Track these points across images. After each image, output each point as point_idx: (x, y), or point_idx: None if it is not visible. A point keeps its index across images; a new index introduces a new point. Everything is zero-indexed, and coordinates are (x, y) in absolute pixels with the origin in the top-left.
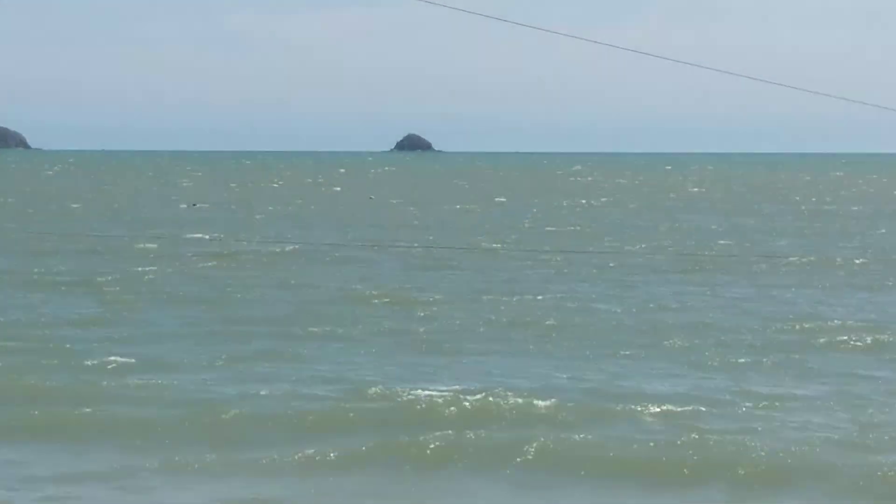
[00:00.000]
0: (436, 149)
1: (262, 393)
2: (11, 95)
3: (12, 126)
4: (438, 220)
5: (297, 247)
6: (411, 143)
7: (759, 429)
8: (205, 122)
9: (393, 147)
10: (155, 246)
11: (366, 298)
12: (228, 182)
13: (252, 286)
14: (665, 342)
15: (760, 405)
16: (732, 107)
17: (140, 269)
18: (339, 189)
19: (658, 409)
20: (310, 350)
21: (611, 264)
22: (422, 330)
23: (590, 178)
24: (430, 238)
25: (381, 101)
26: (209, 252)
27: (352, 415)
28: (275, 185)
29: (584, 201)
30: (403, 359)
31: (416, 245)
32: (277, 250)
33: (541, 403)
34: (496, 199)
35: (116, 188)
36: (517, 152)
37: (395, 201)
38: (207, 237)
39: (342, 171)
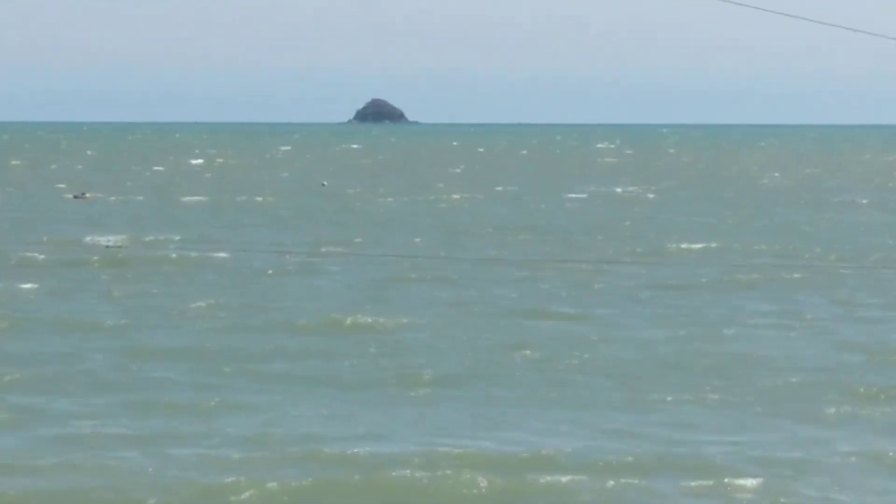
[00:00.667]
0: (409, 119)
1: (171, 455)
2: None
3: None
4: (414, 216)
5: (225, 254)
6: (377, 112)
7: None
8: (95, 85)
9: (352, 117)
10: (35, 255)
11: (316, 326)
12: (131, 163)
13: (163, 308)
14: (730, 384)
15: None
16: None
17: (15, 286)
18: (286, 174)
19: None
20: (246, 396)
21: (656, 276)
22: (395, 367)
23: (613, 159)
24: (408, 242)
25: (336, 58)
26: (107, 261)
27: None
28: (196, 166)
29: (618, 190)
30: (355, 408)
31: (388, 254)
32: (196, 256)
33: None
34: (496, 189)
35: None
36: (518, 123)
37: (354, 190)
38: (104, 241)
39: (286, 148)
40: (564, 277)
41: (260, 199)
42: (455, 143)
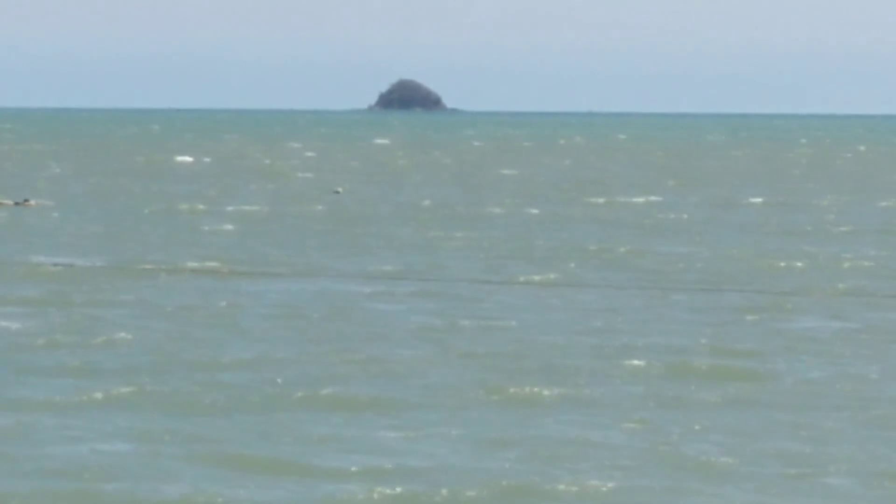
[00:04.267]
0: (448, 105)
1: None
2: None
3: None
4: (459, 230)
5: (223, 269)
6: (405, 96)
7: None
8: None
9: (374, 102)
10: None
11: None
12: (95, 159)
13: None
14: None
15: None
16: None
17: None
18: (302, 175)
19: None
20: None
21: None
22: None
23: (737, 152)
24: (435, 267)
25: (351, 30)
26: (59, 288)
27: None
28: (183, 164)
29: (758, 200)
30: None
31: (430, 278)
32: (176, 279)
33: None
34: (588, 200)
35: None
36: (589, 112)
37: (375, 205)
38: (52, 262)
39: (295, 145)
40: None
41: (256, 208)
42: (526, 143)
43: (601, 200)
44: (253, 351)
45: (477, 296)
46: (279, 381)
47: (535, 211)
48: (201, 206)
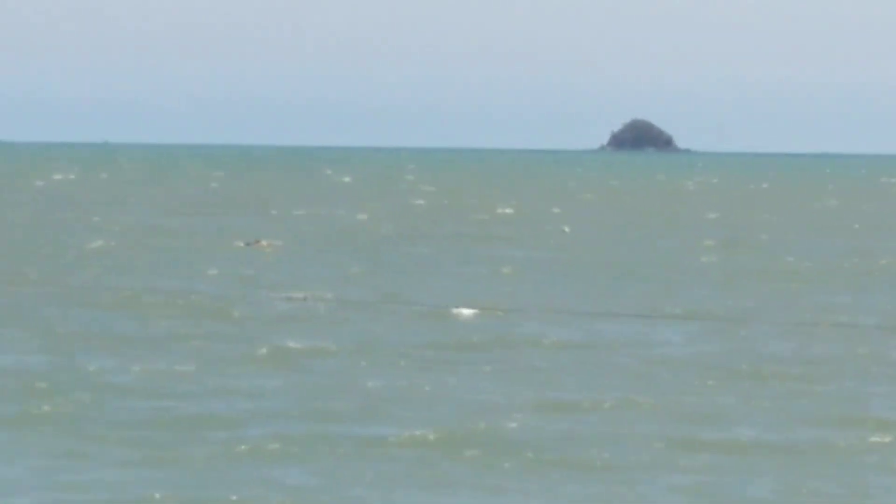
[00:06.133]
0: (679, 146)
1: None
2: None
3: None
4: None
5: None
6: (637, 136)
7: None
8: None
9: (606, 143)
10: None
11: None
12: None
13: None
14: None
15: None
16: None
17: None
18: (509, 210)
19: None
20: None
21: None
22: None
23: None
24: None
25: (583, 70)
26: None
27: None
28: (414, 205)
29: None
30: None
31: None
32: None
33: None
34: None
35: None
36: (824, 153)
37: (607, 242)
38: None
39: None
40: None
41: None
42: (765, 185)
43: None
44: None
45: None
46: None
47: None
48: (440, 251)
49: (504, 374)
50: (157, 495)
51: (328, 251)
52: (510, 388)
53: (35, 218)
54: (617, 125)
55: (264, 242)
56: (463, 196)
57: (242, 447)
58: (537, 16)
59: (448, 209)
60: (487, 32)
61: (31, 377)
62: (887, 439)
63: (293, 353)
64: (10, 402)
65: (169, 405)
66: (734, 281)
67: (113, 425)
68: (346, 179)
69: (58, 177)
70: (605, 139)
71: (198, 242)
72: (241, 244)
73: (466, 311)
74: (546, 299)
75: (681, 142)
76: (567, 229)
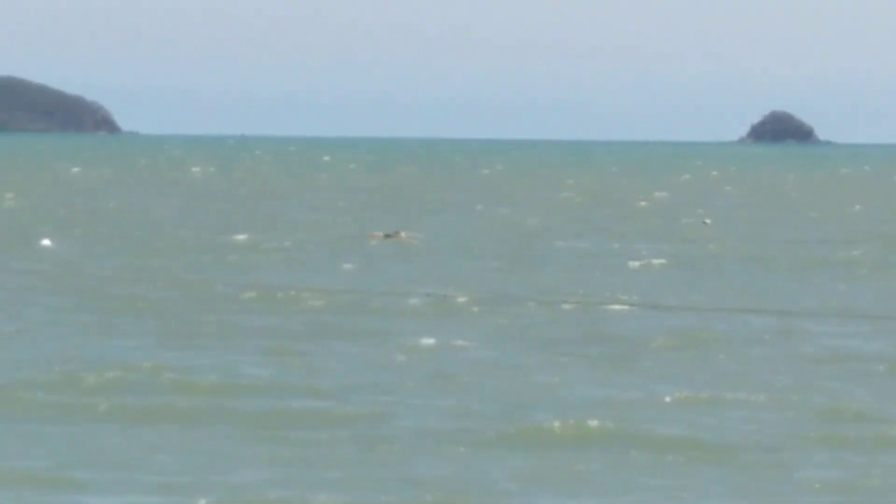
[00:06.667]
0: (820, 138)
1: None
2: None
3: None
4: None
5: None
6: (778, 129)
7: None
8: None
9: (746, 135)
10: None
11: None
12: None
13: None
14: None
15: None
16: None
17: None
18: (649, 203)
19: None
20: None
21: None
22: None
23: None
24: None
25: (723, 63)
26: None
27: None
28: (559, 199)
29: None
30: None
31: None
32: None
33: None
34: None
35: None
36: None
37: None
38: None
39: (686, 177)
40: None
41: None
42: None
43: None
44: None
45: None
46: None
47: None
48: (584, 245)
49: (649, 370)
50: (323, 497)
51: (470, 244)
52: (655, 383)
53: (179, 211)
54: (757, 117)
55: (404, 234)
56: (605, 189)
57: (383, 442)
58: (679, 10)
59: (591, 202)
60: (636, 28)
61: (169, 370)
62: None
63: (430, 350)
64: (176, 397)
65: (312, 402)
66: (881, 274)
67: (249, 420)
68: (486, 172)
69: (196, 169)
70: (744, 131)
71: (337, 233)
72: (380, 235)
73: (612, 306)
74: (689, 294)
75: (822, 133)
76: (708, 221)
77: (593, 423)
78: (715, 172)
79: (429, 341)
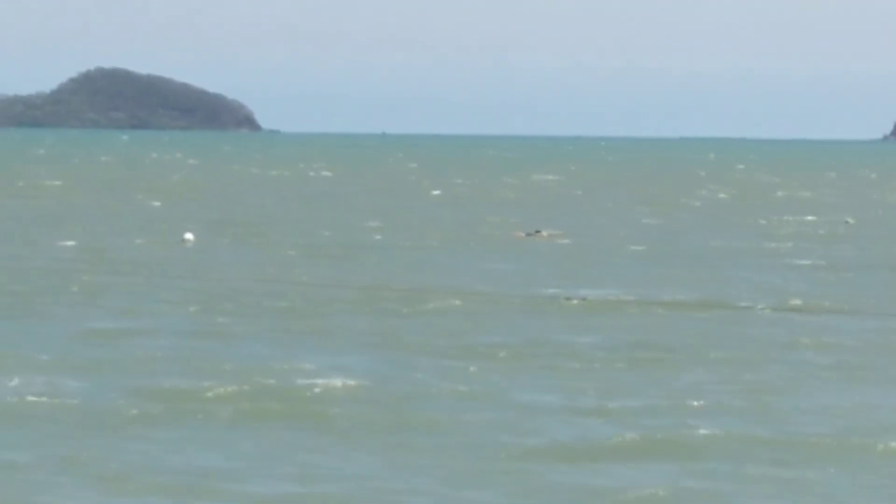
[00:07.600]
0: None
1: None
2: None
3: (237, 96)
4: None
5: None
6: None
7: None
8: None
9: (890, 132)
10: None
11: None
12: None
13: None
14: None
15: None
16: None
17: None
18: (791, 201)
19: None
20: None
21: None
22: None
23: None
24: None
25: (865, 59)
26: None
27: None
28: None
29: None
30: None
31: None
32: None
33: None
34: None
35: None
36: None
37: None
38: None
39: (831, 175)
40: None
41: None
42: None
43: None
44: None
45: None
46: None
47: None
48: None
49: (795, 378)
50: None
51: (611, 243)
52: (796, 388)
53: (312, 212)
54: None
55: (545, 233)
56: (746, 188)
57: (529, 450)
58: (818, 6)
59: (731, 201)
60: (768, 23)
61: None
62: None
63: (570, 355)
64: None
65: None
66: None
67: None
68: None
69: (327, 174)
70: (888, 129)
71: (477, 232)
72: (522, 234)
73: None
74: (827, 296)
75: None
76: (850, 220)
77: (743, 427)
78: (856, 170)
79: (570, 345)
